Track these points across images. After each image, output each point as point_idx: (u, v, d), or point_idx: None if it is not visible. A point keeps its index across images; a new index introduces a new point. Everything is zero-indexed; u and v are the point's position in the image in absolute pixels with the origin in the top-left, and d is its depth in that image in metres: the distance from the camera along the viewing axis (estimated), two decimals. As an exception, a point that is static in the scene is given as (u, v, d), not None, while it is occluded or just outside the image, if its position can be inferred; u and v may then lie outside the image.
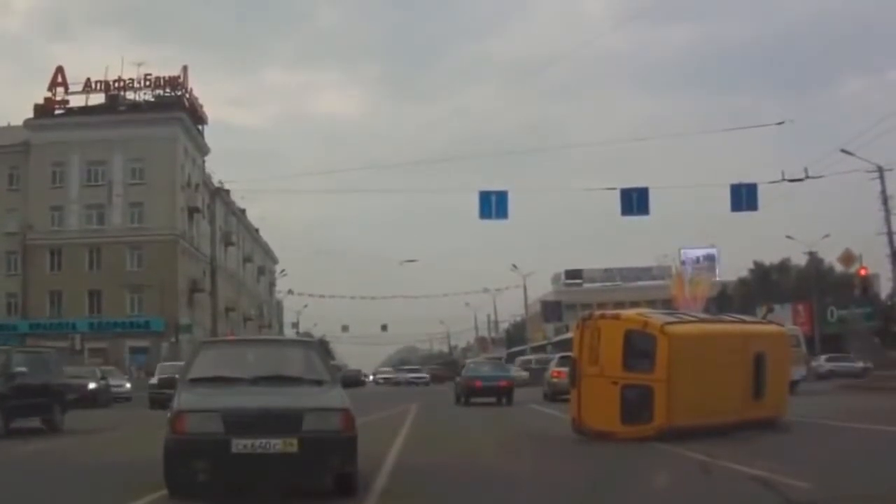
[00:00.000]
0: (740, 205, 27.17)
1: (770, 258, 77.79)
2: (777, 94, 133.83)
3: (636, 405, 13.01)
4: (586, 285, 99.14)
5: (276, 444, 7.29)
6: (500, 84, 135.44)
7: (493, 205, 27.23)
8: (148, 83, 59.69)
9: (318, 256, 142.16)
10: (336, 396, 8.07)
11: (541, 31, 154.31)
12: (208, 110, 66.17)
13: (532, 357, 55.66)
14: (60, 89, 59.39)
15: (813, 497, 7.67)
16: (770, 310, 50.25)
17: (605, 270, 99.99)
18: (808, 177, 28.60)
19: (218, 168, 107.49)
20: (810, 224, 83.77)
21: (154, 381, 28.58)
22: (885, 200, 38.10)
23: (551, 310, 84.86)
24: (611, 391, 13.30)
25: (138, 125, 57.64)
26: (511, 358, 79.66)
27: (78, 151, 58.05)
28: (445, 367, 74.28)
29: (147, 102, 59.84)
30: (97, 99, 59.64)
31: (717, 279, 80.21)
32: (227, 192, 64.33)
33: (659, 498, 8.22)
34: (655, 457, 11.06)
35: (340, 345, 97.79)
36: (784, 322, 27.98)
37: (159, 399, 26.87)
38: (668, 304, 59.96)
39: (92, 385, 29.66)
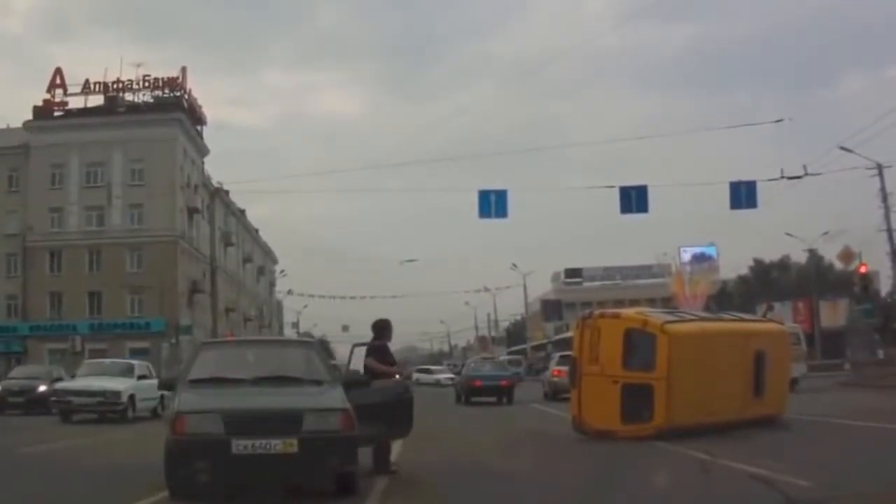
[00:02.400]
0: (740, 203, 27.14)
1: (770, 256, 77.88)
2: (776, 93, 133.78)
3: (636, 404, 13.02)
4: (586, 284, 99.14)
5: (277, 445, 7.29)
6: (499, 83, 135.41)
7: (493, 204, 27.18)
8: (147, 84, 59.69)
9: (318, 256, 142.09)
10: (336, 397, 8.06)
11: (540, 31, 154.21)
12: (208, 111, 66.26)
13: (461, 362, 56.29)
14: (59, 91, 59.38)
15: (814, 495, 7.67)
16: (770, 308, 50.39)
17: (605, 269, 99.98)
18: (807, 174, 28.54)
19: (218, 168, 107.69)
20: (810, 221, 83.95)
21: (63, 384, 22.76)
22: (884, 198, 38.10)
23: (551, 308, 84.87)
24: (611, 390, 13.30)
25: (137, 126, 57.62)
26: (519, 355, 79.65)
27: (77, 153, 58.05)
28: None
29: (146, 104, 59.81)
30: (96, 100, 59.63)
31: (717, 277, 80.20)
32: (227, 192, 64.35)
33: (659, 497, 8.22)
34: (655, 456, 11.07)
35: (340, 345, 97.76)
36: (784, 320, 28.05)
37: (71, 409, 20.97)
38: (668, 303, 60.05)
39: (42, 388, 24.71)
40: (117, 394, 20.87)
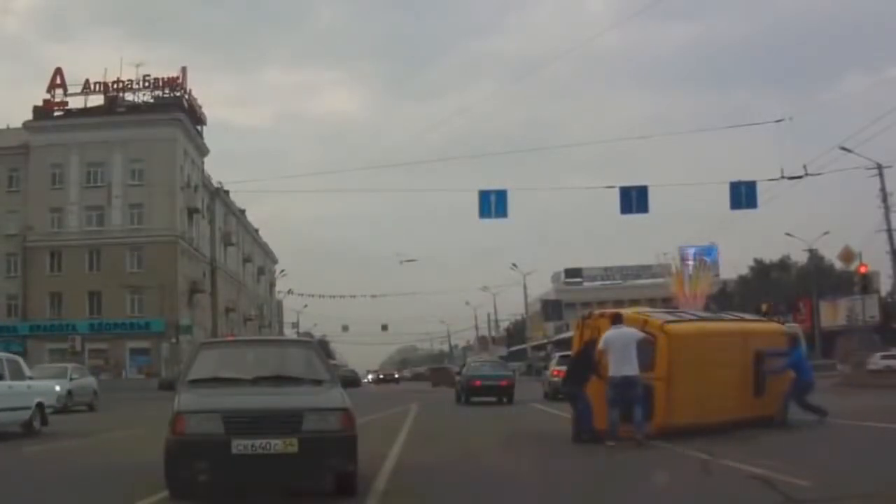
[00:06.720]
0: (740, 203, 27.11)
1: (770, 256, 77.88)
2: (776, 92, 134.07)
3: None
4: (586, 284, 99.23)
5: (277, 445, 7.28)
6: (499, 82, 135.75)
7: (493, 204, 27.14)
8: (147, 84, 59.75)
9: (318, 256, 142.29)
10: (336, 396, 8.05)
11: (540, 30, 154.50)
12: (208, 111, 66.41)
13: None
14: (59, 91, 59.44)
15: (813, 495, 7.67)
16: (772, 308, 50.27)
17: (605, 269, 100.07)
18: (807, 174, 28.49)
19: (218, 168, 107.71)
20: (810, 221, 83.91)
21: None
22: (884, 198, 38.16)
23: (552, 308, 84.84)
24: (611, 390, 13.27)
25: (137, 126, 57.67)
26: (519, 355, 79.23)
27: (77, 153, 58.09)
28: (437, 370, 72.32)
29: (146, 104, 59.86)
30: (96, 100, 59.73)
31: (717, 277, 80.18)
32: (227, 192, 64.44)
33: (659, 497, 8.22)
34: (655, 455, 11.06)
35: (340, 345, 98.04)
36: (784, 320, 28.01)
37: None
38: (668, 303, 59.94)
39: None
40: None
